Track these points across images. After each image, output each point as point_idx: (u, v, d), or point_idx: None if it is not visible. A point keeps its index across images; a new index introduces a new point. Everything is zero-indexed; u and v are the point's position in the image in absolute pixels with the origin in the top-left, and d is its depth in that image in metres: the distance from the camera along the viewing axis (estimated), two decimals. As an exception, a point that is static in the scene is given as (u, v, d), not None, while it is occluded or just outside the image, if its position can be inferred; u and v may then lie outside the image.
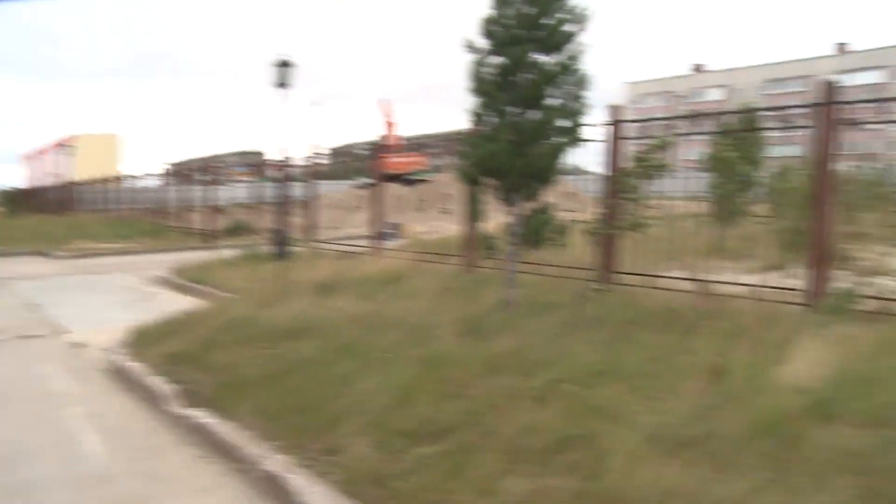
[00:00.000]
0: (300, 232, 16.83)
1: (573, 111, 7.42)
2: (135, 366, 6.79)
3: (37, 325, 9.74)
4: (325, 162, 25.97)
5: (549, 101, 7.35)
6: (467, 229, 11.34)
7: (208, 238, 22.11)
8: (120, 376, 6.90)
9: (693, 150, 17.04)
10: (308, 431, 4.65)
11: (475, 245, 11.19)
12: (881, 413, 4.24)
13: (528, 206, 7.99)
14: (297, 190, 17.66)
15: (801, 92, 60.60)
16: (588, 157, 9.94)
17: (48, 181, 58.19)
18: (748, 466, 3.75)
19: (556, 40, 7.29)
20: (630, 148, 9.12)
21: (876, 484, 3.50)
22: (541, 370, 5.27)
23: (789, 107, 12.26)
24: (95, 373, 7.20)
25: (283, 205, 16.57)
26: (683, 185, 11.08)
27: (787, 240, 9.19)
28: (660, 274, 8.53)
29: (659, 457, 3.90)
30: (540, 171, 7.44)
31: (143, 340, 7.50)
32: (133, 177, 33.92)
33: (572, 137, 7.49)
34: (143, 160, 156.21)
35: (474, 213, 11.17)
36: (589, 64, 7.42)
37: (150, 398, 6.07)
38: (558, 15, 7.26)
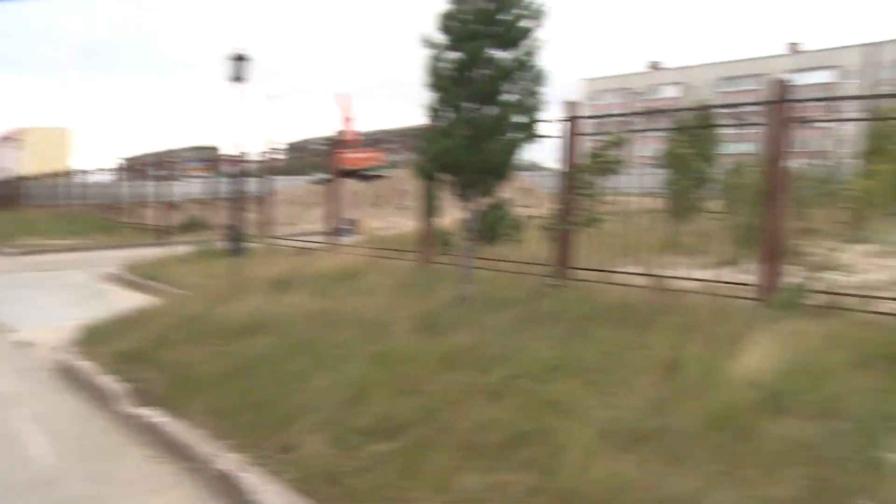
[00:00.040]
0: (256, 228, 16.68)
1: (529, 107, 7.43)
2: (84, 365, 6.65)
3: (-18, 324, 9.51)
4: (281, 157, 25.70)
5: (505, 97, 7.35)
6: (423, 225, 11.32)
7: (162, 234, 21.84)
8: (69, 376, 6.75)
9: (649, 146, 17.17)
10: (262, 429, 4.59)
11: (431, 241, 11.18)
12: (829, 405, 4.33)
13: (484, 202, 8.00)
14: (252, 185, 17.49)
15: (754, 90, 61.44)
16: (544, 152, 9.98)
17: (-6, 176, 56.89)
18: (701, 459, 3.79)
19: (513, 36, 7.29)
20: (586, 144, 9.17)
21: (824, 474, 3.57)
22: (496, 366, 5.27)
23: (743, 104, 12.45)
24: (43, 372, 7.02)
25: (238, 200, 16.41)
26: (639, 182, 11.16)
27: (741, 235, 9.31)
28: (615, 269, 8.59)
29: (614, 451, 3.93)
30: (496, 166, 7.44)
31: (94, 339, 7.35)
32: (84, 171, 33.31)
33: (528, 133, 7.50)
34: (94, 155, 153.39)
35: (430, 208, 11.16)
36: (545, 60, 7.45)
37: (100, 398, 5.96)
38: (515, 11, 7.26)
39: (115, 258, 14.84)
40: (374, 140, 40.45)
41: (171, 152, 59.01)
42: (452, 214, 10.30)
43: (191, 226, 23.05)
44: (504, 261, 9.61)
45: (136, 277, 12.54)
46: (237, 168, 17.54)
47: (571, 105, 9.43)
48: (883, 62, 69.30)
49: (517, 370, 5.16)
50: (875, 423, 3.98)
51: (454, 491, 3.68)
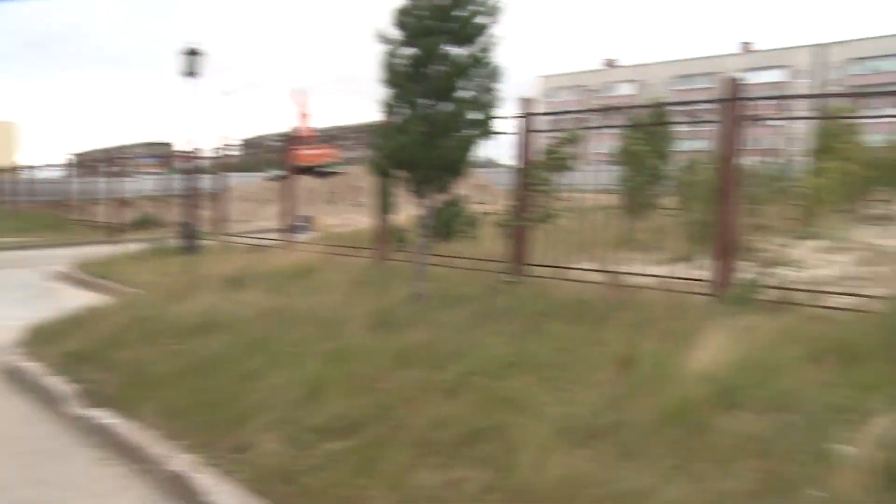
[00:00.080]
0: (210, 225, 16.48)
1: (485, 103, 7.43)
2: (31, 366, 6.48)
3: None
4: (235, 153, 25.52)
5: (460, 94, 7.33)
6: (379, 222, 11.29)
7: (114, 232, 21.44)
8: (14, 378, 6.56)
9: (604, 143, 17.31)
10: (216, 429, 4.54)
11: (387, 238, 11.15)
12: (781, 399, 4.39)
13: (439, 199, 7.99)
14: (206, 182, 17.27)
15: (708, 88, 62.31)
16: (500, 149, 9.99)
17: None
18: (656, 454, 3.82)
19: (469, 32, 7.28)
20: (542, 141, 9.20)
21: (776, 466, 3.62)
22: (452, 363, 5.26)
23: (697, 102, 12.57)
24: (-13, 374, 6.86)
25: (191, 197, 16.18)
26: (594, 178, 11.22)
27: (695, 232, 9.40)
28: (570, 266, 8.64)
29: (569, 447, 3.93)
30: (451, 163, 7.43)
31: (41, 339, 7.17)
32: (32, 167, 32.63)
33: (484, 130, 7.50)
34: (43, 150, 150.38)
35: (386, 205, 11.13)
36: (501, 57, 7.45)
37: (47, 400, 5.81)
38: (471, 7, 7.25)
39: (64, 256, 14.54)
40: (330, 136, 40.17)
41: (122, 148, 58.06)
42: (408, 211, 10.28)
43: (143, 223, 22.68)
44: (460, 257, 9.61)
45: (86, 276, 12.31)
46: (191, 164, 17.31)
47: (527, 102, 9.45)
48: (831, 62, 70.79)
49: (473, 367, 5.15)
50: (825, 415, 4.03)
51: (410, 488, 3.67)
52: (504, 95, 7.61)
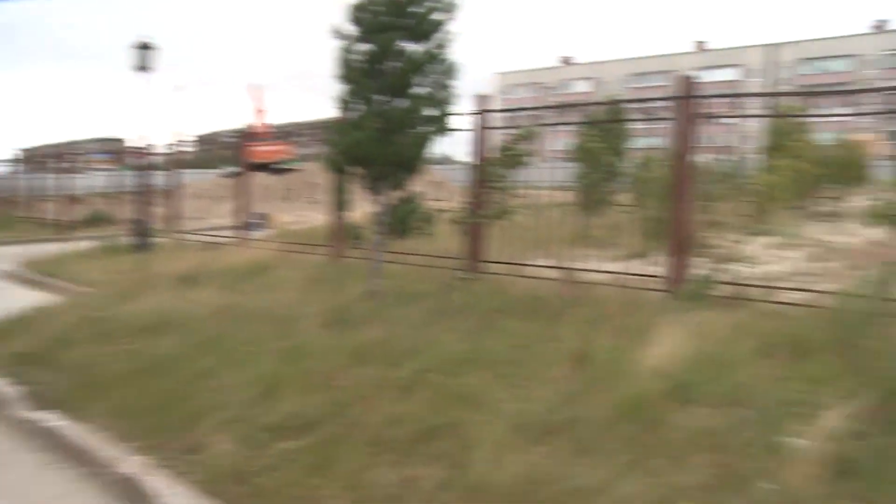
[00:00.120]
0: (163, 222, 16.25)
1: (440, 100, 7.42)
2: (-25, 368, 6.32)
3: None
4: (189, 150, 25.18)
5: (416, 90, 7.32)
6: (334, 219, 11.21)
7: (63, 229, 21.03)
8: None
9: (560, 140, 17.39)
10: (168, 430, 4.46)
11: (342, 235, 11.08)
12: (734, 393, 4.45)
13: (395, 196, 7.96)
14: (159, 179, 17.01)
15: (663, 86, 63.10)
16: (456, 146, 9.98)
17: None
18: (611, 450, 3.85)
19: (425, 28, 7.26)
20: (497, 138, 9.20)
21: (729, 460, 3.67)
22: (407, 360, 5.24)
23: (651, 99, 12.66)
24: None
25: (144, 194, 15.92)
26: (550, 175, 11.26)
27: (650, 228, 9.48)
28: (526, 262, 8.65)
29: (524, 444, 3.95)
30: (407, 159, 7.41)
31: (-13, 339, 7.01)
32: (-22, 163, 31.85)
33: (439, 126, 7.49)
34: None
35: (341, 202, 11.06)
36: (457, 53, 7.46)
37: (-9, 403, 5.67)
38: (427, 3, 7.23)
39: (11, 254, 14.21)
40: (286, 133, 39.89)
41: (73, 144, 57.05)
42: (364, 208, 10.23)
43: (94, 220, 22.29)
44: (415, 254, 9.59)
45: (34, 274, 12.03)
46: (143, 160, 17.03)
47: (482, 98, 9.45)
48: (783, 62, 72.04)
49: (428, 364, 5.14)
50: (777, 409, 4.10)
51: (365, 487, 3.65)
52: (460, 92, 7.63)
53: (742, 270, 7.46)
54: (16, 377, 5.80)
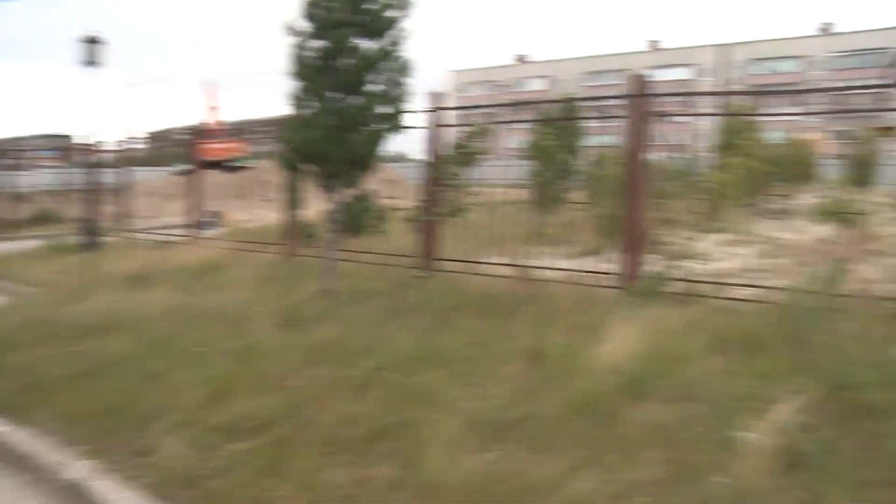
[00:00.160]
0: (113, 221, 15.97)
1: (395, 97, 7.39)
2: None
3: None
4: (140, 147, 24.78)
5: (370, 87, 7.28)
6: (288, 217, 11.12)
7: (8, 228, 20.54)
8: None
9: (514, 138, 17.46)
10: (117, 433, 4.36)
11: (296, 233, 10.99)
12: (686, 389, 4.50)
13: (348, 193, 7.90)
14: (109, 176, 16.71)
15: (617, 84, 63.72)
16: (410, 144, 9.95)
17: None
18: (566, 446, 3.85)
19: (379, 25, 7.22)
20: (452, 135, 9.19)
21: (682, 455, 3.70)
22: (361, 359, 5.22)
23: (605, 98, 12.78)
24: None
25: (93, 192, 15.63)
26: (504, 173, 11.29)
27: (603, 226, 9.55)
28: (480, 260, 8.66)
29: (479, 441, 3.94)
30: (360, 157, 7.37)
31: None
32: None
33: (393, 124, 7.45)
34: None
35: (295, 200, 10.97)
36: (412, 51, 7.43)
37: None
38: (381, 0, 7.19)
39: (-46, 255, 13.85)
40: (239, 130, 39.53)
41: (18, 140, 55.84)
42: (317, 206, 10.14)
43: (41, 219, 21.84)
44: (369, 253, 9.54)
45: (-22, 275, 11.75)
46: (92, 158, 16.70)
47: (436, 96, 9.43)
48: (734, 62, 73.20)
49: (382, 363, 5.12)
50: (728, 404, 4.15)
51: (319, 487, 3.61)
52: (414, 90, 7.61)
53: (694, 267, 7.54)
54: (-44, 382, 5.62)
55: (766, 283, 7.30)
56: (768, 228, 14.19)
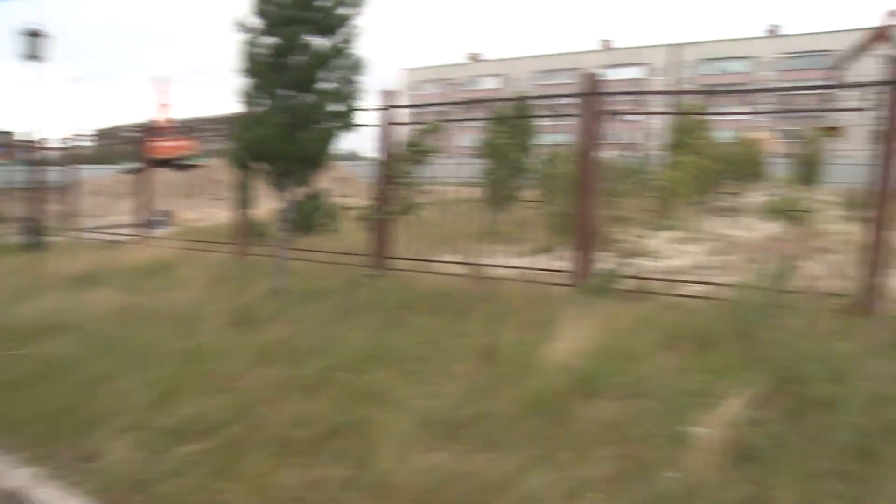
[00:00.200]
0: (58, 220, 15.63)
1: (346, 95, 7.33)
2: None
3: None
4: (87, 144, 24.32)
5: (322, 85, 7.21)
6: (238, 216, 11.00)
7: (-53, 228, 20.01)
8: None
9: (467, 136, 17.48)
10: (61, 438, 4.25)
11: (246, 232, 10.89)
12: (638, 385, 4.53)
13: (300, 192, 7.84)
14: (54, 174, 16.35)
15: (570, 83, 64.16)
16: (362, 142, 9.91)
17: None
18: (518, 444, 3.86)
19: (331, 23, 7.16)
20: (404, 133, 9.16)
21: (634, 451, 3.73)
22: (313, 358, 5.18)
23: (558, 96, 12.83)
24: None
25: (37, 190, 15.29)
26: (457, 171, 11.29)
27: (556, 224, 9.60)
28: (433, 258, 8.66)
29: (432, 440, 3.93)
30: (312, 155, 7.30)
31: None
32: None
33: (345, 122, 7.40)
34: None
35: (246, 199, 10.86)
36: (364, 48, 7.37)
37: None
38: (334, -3, 7.14)
39: None
40: (189, 128, 38.96)
41: (-41, 138, 54.33)
42: (268, 205, 10.04)
43: (-19, 218, 21.26)
44: (321, 251, 9.48)
45: (-86, 276, 11.40)
46: (36, 155, 16.34)
47: (389, 94, 9.39)
48: (685, 62, 74.22)
49: (334, 362, 5.09)
50: (679, 399, 4.18)
51: (270, 489, 3.56)
52: (367, 87, 7.55)
53: (646, 264, 7.62)
54: None
55: (716, 280, 7.39)
56: (718, 226, 14.40)
